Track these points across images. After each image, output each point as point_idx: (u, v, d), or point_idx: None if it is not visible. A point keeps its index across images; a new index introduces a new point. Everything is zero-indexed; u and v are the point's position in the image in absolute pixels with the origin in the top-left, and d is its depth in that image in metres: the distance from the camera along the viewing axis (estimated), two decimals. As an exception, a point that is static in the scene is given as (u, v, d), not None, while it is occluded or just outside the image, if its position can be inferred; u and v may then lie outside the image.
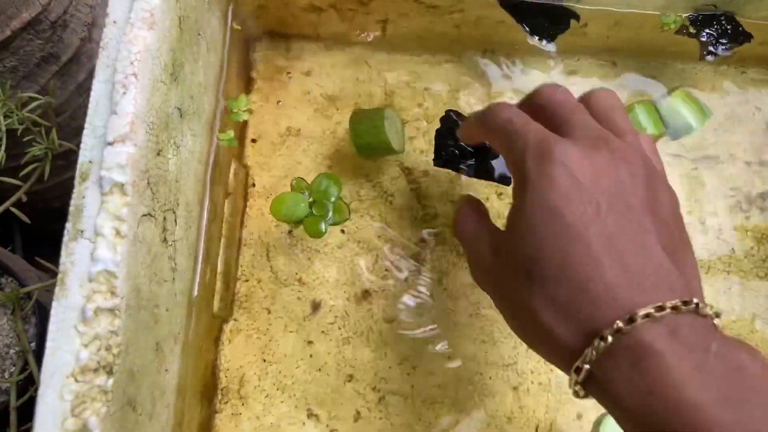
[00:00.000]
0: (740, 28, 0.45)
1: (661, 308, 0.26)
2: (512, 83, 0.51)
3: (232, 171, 0.47)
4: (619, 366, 0.26)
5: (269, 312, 0.48)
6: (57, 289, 0.29)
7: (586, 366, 0.27)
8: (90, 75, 0.63)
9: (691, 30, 0.45)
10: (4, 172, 0.47)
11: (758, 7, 0.46)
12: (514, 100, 0.51)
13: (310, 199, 0.43)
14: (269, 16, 0.50)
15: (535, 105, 0.34)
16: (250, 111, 0.48)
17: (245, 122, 0.50)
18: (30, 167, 0.41)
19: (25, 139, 0.41)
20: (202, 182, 0.41)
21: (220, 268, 0.46)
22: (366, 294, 0.48)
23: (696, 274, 0.30)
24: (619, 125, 0.32)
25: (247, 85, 0.51)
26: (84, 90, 0.64)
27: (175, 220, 0.37)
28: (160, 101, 0.33)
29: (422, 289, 0.48)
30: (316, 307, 0.48)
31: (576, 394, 0.29)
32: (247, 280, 0.48)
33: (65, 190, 0.74)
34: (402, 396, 0.46)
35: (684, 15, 0.46)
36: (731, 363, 0.25)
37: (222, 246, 0.47)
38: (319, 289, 0.48)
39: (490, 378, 0.47)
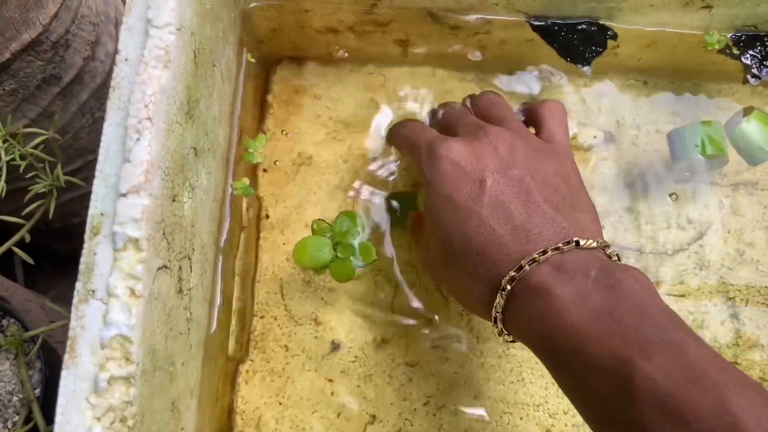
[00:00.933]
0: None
1: (544, 252, 0.30)
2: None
3: (245, 204, 0.45)
4: (518, 307, 0.31)
5: (287, 350, 0.45)
6: (66, 357, 0.27)
7: (498, 314, 0.32)
8: (93, 94, 0.60)
9: (735, 51, 0.43)
10: (6, 206, 0.45)
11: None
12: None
13: (333, 241, 0.40)
14: (283, 40, 0.47)
15: (438, 119, 0.42)
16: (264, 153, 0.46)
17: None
18: (34, 205, 0.39)
19: (27, 176, 0.39)
20: (217, 220, 0.39)
21: (235, 306, 0.43)
22: (386, 337, 0.46)
23: (590, 220, 0.34)
24: (498, 115, 0.38)
25: (262, 111, 0.48)
26: (87, 110, 0.61)
27: (191, 267, 0.34)
28: (175, 144, 0.31)
29: (447, 330, 0.45)
30: (336, 346, 0.45)
31: (502, 337, 0.34)
32: (262, 317, 0.46)
33: (67, 210, 0.71)
34: (427, 439, 0.44)
35: (727, 35, 0.44)
36: (607, 282, 0.29)
37: (237, 284, 0.44)
38: (336, 330, 0.46)
39: (521, 419, 0.44)
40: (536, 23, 0.45)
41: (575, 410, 0.44)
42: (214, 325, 0.39)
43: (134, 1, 0.30)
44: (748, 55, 0.42)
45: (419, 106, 0.49)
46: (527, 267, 0.30)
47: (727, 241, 0.47)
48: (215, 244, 0.38)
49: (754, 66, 0.42)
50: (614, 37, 0.46)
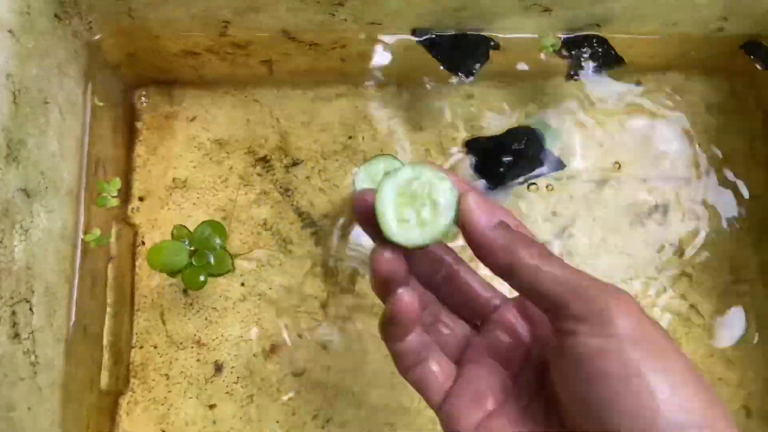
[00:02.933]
0: (612, 51, 0.44)
1: None
2: (405, 111, 0.49)
3: (114, 234, 0.44)
4: None
5: (168, 378, 0.45)
6: None
7: None
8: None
9: (564, 52, 0.44)
10: None
11: (626, 23, 0.45)
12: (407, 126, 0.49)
13: (191, 248, 0.40)
14: (143, 64, 0.47)
15: None
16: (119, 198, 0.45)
17: (129, 179, 0.47)
18: None
19: None
20: (70, 258, 0.38)
21: (106, 340, 0.43)
22: (273, 348, 0.46)
23: None
24: None
25: (131, 139, 0.48)
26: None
27: (31, 309, 0.34)
28: (-9, 189, 0.30)
29: (330, 337, 0.46)
30: (219, 368, 0.45)
31: None
32: (141, 347, 0.45)
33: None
34: (315, 454, 0.44)
35: (561, 36, 0.45)
36: None
37: (108, 316, 0.44)
38: (220, 349, 0.45)
39: (404, 425, 0.45)
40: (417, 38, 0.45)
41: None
42: (72, 363, 0.38)
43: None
44: (573, 55, 0.44)
45: (300, 124, 0.49)
46: None
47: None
48: (68, 282, 0.38)
49: (577, 66, 0.44)
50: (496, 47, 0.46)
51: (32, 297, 0.34)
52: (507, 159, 0.46)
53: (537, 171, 0.47)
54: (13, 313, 0.32)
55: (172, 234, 0.41)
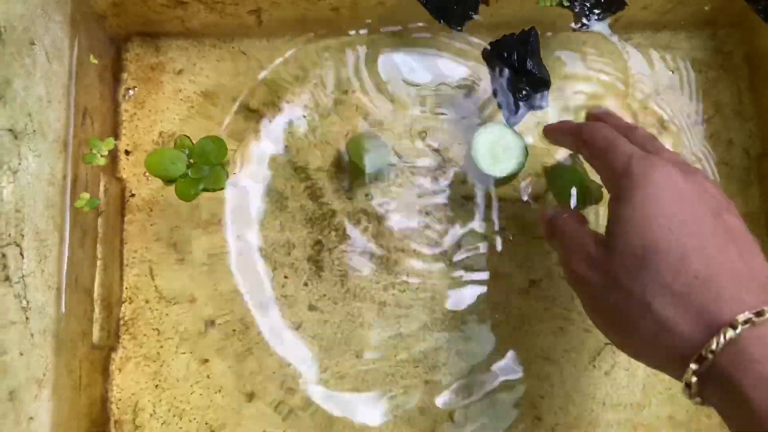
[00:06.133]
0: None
1: None
2: (399, 62, 0.49)
3: (102, 187, 0.43)
4: (750, 358, 0.25)
5: (159, 333, 0.44)
6: None
7: (710, 355, 0.26)
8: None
9: (565, 2, 0.43)
10: None
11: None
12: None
13: (190, 160, 0.40)
14: (130, 15, 0.46)
15: (586, 138, 0.37)
16: (108, 156, 0.44)
17: (117, 131, 0.47)
18: None
19: None
20: (58, 206, 0.37)
21: (97, 294, 0.42)
22: (267, 303, 0.45)
23: None
24: (662, 149, 0.35)
25: (115, 90, 0.47)
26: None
27: (21, 254, 0.33)
28: (-22, 126, 0.29)
29: (324, 291, 0.45)
30: (210, 323, 0.45)
31: (690, 393, 0.28)
32: (132, 302, 0.45)
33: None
34: (312, 406, 0.44)
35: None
36: None
37: (99, 269, 0.43)
38: (211, 304, 0.45)
39: (402, 377, 0.45)
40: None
41: (442, 348, 0.45)
42: (64, 312, 0.37)
43: None
44: (577, 4, 0.43)
45: (289, 75, 0.48)
46: None
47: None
48: (58, 230, 0.37)
49: (583, 15, 0.43)
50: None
51: (22, 241, 0.33)
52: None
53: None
54: (3, 255, 0.31)
55: (175, 143, 0.40)
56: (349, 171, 0.47)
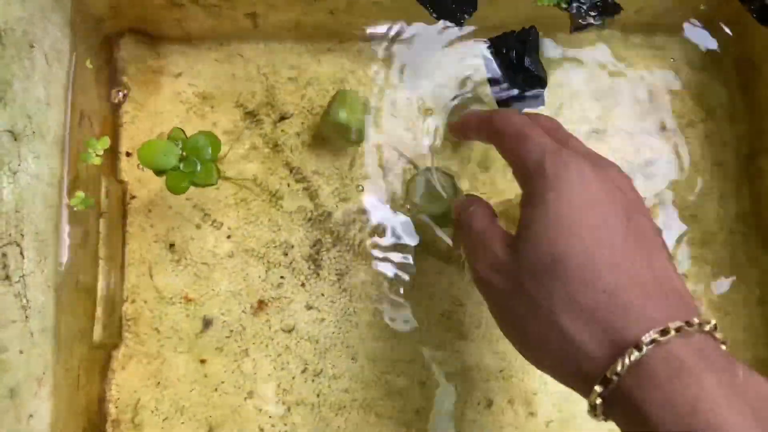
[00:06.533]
0: (609, 0, 0.44)
1: (689, 324, 0.25)
2: (395, 64, 0.49)
3: (103, 189, 0.44)
4: (655, 380, 0.24)
5: (158, 332, 0.45)
6: None
7: (615, 377, 0.25)
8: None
9: (563, 5, 0.44)
10: None
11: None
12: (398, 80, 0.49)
13: (183, 153, 0.40)
14: (128, 16, 0.46)
15: (498, 126, 0.34)
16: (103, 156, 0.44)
17: (117, 134, 0.47)
18: None
19: None
20: (56, 207, 0.38)
21: (100, 293, 0.43)
22: (262, 304, 0.46)
23: None
24: (568, 138, 0.34)
25: (116, 94, 0.47)
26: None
27: (22, 254, 0.33)
28: (-22, 127, 0.30)
29: (321, 292, 0.46)
30: (207, 323, 0.45)
31: (594, 413, 0.27)
32: (133, 302, 0.45)
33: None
34: (307, 405, 0.45)
35: (556, -13, 0.45)
36: (760, 390, 0.24)
37: (101, 270, 0.43)
38: (208, 305, 0.45)
39: (398, 375, 0.45)
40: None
41: (449, 360, 0.45)
42: (65, 311, 0.38)
43: None
44: (574, 7, 0.44)
45: (287, 80, 0.48)
46: (673, 334, 0.25)
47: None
48: (58, 230, 0.38)
49: (579, 16, 0.44)
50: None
51: (22, 241, 0.33)
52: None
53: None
54: (3, 254, 0.32)
55: (169, 135, 0.41)
56: (334, 132, 0.47)
